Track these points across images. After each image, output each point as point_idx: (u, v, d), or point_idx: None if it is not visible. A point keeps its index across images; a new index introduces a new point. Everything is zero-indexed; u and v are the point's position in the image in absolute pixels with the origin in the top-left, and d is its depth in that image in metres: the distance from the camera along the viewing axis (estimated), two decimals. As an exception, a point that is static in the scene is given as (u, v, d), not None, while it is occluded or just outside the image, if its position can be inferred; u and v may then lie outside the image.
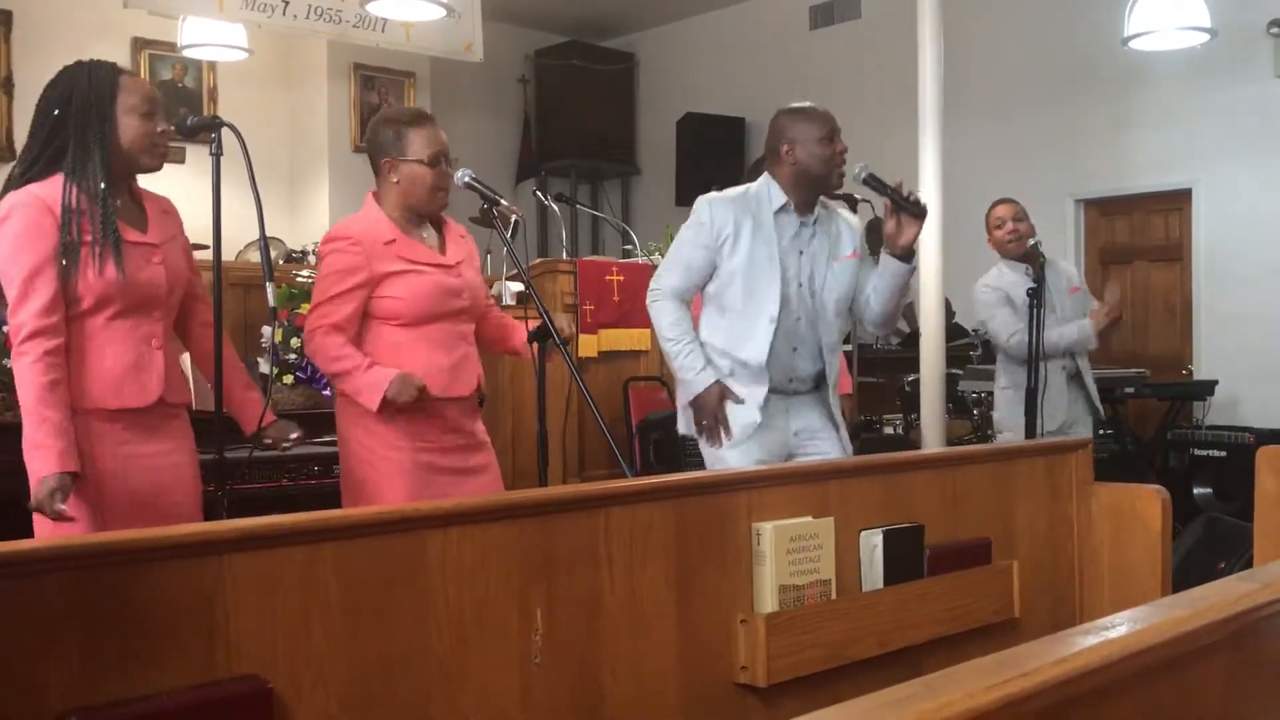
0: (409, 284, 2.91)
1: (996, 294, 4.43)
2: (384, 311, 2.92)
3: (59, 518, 2.35)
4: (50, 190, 2.45)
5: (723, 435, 3.22)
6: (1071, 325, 4.35)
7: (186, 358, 2.93)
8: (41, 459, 2.36)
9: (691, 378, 3.23)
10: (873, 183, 3.19)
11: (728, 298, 3.25)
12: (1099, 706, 1.17)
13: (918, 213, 3.16)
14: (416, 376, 2.85)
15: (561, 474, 4.89)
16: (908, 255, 3.21)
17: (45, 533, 2.39)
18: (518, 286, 5.18)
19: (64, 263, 2.42)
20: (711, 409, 3.21)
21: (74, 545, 1.57)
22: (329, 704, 1.74)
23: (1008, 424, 4.52)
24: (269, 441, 2.81)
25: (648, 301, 3.34)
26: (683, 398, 3.29)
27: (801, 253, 3.25)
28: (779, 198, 3.24)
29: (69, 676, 1.51)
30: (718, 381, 3.21)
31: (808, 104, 3.31)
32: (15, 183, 2.48)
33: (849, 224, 3.38)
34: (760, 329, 3.20)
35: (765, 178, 3.29)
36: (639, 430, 5.12)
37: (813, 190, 3.26)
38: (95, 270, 2.43)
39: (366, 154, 3.03)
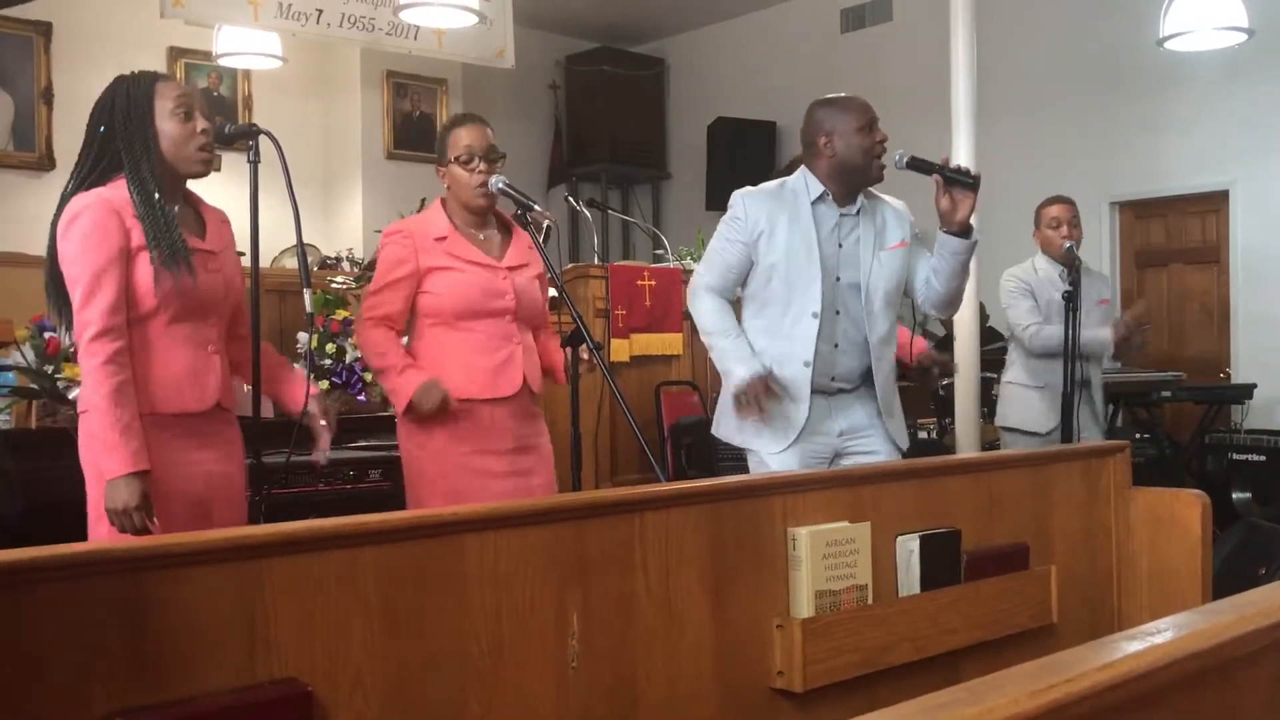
0: (450, 280, 2.98)
1: (1021, 285, 4.42)
2: (426, 308, 3.00)
3: (141, 531, 2.36)
4: (115, 193, 2.49)
5: (765, 406, 3.05)
6: (1091, 330, 4.30)
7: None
8: (115, 459, 2.38)
9: (733, 366, 3.10)
10: (917, 165, 3.09)
11: (767, 294, 3.17)
12: (1143, 713, 1.16)
13: (970, 183, 3.07)
14: (442, 385, 2.88)
15: (594, 478, 4.90)
16: (967, 230, 3.12)
17: (102, 535, 2.41)
18: (550, 292, 5.19)
19: (153, 264, 2.45)
20: (754, 393, 3.05)
21: (117, 549, 1.59)
22: (368, 707, 1.75)
23: (1011, 418, 4.49)
24: (312, 417, 2.72)
25: (688, 299, 3.27)
26: (725, 391, 3.18)
27: (841, 245, 3.16)
28: (816, 188, 3.15)
29: (113, 678, 1.52)
30: (761, 372, 3.08)
31: (843, 94, 3.23)
32: (71, 193, 2.52)
33: (896, 211, 3.27)
34: (804, 326, 3.11)
35: (802, 170, 3.21)
36: (671, 434, 5.12)
37: (853, 182, 3.16)
38: (162, 274, 2.46)
39: None
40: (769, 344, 3.16)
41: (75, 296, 2.44)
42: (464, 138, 3.04)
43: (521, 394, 3.03)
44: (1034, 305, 4.39)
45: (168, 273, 2.45)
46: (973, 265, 4.66)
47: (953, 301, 3.32)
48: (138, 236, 2.47)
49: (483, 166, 3.01)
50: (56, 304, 2.54)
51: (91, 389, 2.42)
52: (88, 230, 2.44)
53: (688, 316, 5.30)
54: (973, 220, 3.15)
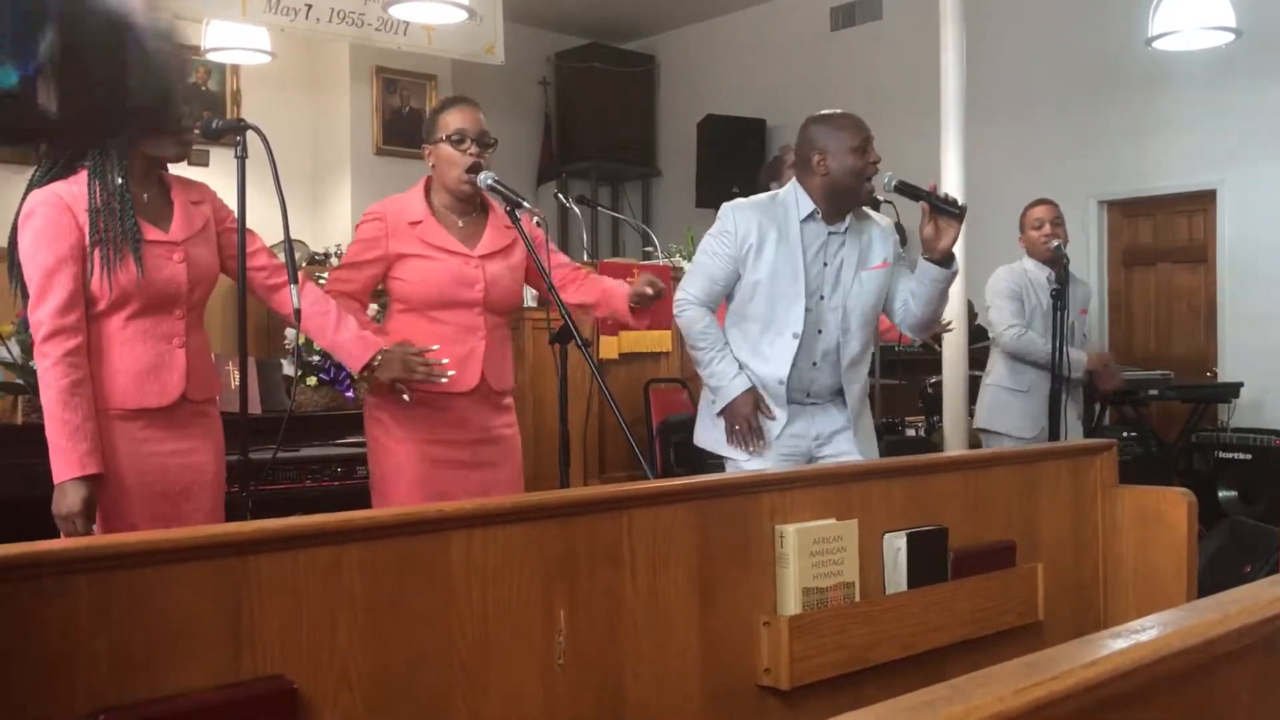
0: (419, 268, 2.94)
1: (1009, 286, 4.44)
2: (396, 293, 2.99)
3: (83, 534, 2.36)
4: (71, 188, 2.47)
5: (756, 443, 3.14)
6: (1072, 350, 4.30)
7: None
8: (61, 462, 2.38)
9: (725, 384, 3.15)
10: (904, 189, 3.10)
11: (750, 310, 3.19)
12: (1128, 711, 1.16)
13: (956, 213, 3.09)
14: (414, 347, 2.80)
15: (582, 475, 4.89)
16: (948, 259, 3.14)
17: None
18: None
19: (91, 261, 2.44)
20: (745, 416, 3.13)
21: (101, 546, 1.58)
22: (353, 704, 1.74)
23: (988, 421, 4.51)
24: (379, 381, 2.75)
25: (675, 311, 3.28)
26: (713, 407, 3.22)
27: (827, 264, 3.18)
28: (806, 205, 3.16)
29: (96, 676, 1.52)
30: (752, 388, 3.15)
31: (839, 111, 3.23)
32: (36, 184, 2.50)
33: (882, 230, 3.28)
34: (782, 345, 3.15)
35: (793, 184, 3.22)
36: (659, 432, 5.12)
37: (842, 202, 3.17)
38: (112, 269, 2.44)
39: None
40: (747, 358, 3.20)
41: (30, 295, 2.43)
42: (457, 119, 2.99)
43: (480, 388, 2.98)
44: (1019, 308, 4.40)
45: (111, 269, 2.44)
46: (961, 263, 4.71)
47: (929, 325, 3.38)
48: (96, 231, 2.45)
49: (474, 149, 2.96)
50: (22, 298, 2.52)
51: (43, 391, 2.42)
52: (40, 228, 2.44)
53: (677, 314, 5.35)
54: (956, 249, 3.18)
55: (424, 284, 2.93)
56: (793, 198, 3.19)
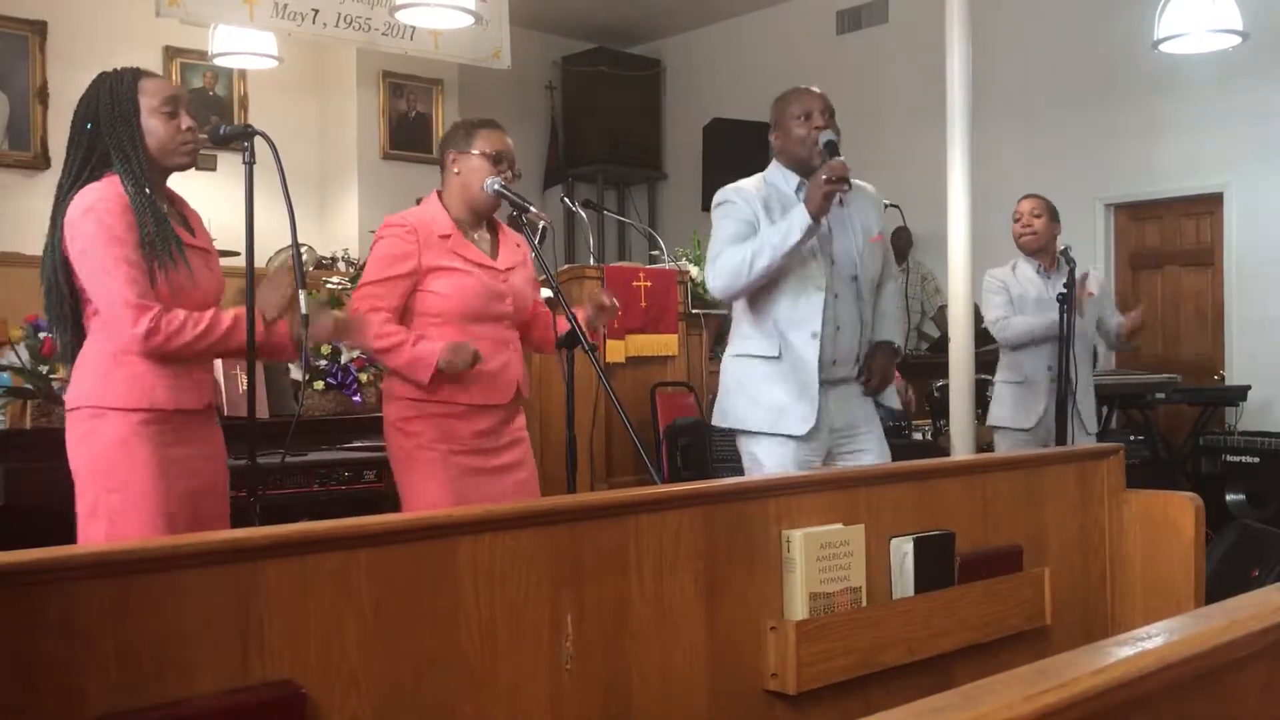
0: (456, 281, 2.94)
1: (995, 282, 4.48)
2: (427, 307, 2.95)
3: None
4: (120, 188, 2.49)
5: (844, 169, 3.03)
6: (1046, 315, 4.30)
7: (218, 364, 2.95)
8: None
9: (790, 225, 3.04)
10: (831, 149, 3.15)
11: (773, 283, 3.18)
12: (1135, 717, 1.16)
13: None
14: (469, 343, 2.84)
15: (589, 480, 4.90)
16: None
17: (98, 536, 2.41)
18: (546, 293, 5.19)
19: (150, 259, 2.46)
20: (822, 178, 3.02)
21: (110, 551, 1.59)
22: (362, 709, 1.75)
23: (996, 416, 4.53)
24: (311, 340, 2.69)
25: (713, 287, 3.23)
26: (727, 381, 3.27)
27: (830, 229, 3.21)
28: (792, 179, 3.24)
29: (105, 681, 1.52)
30: (804, 183, 3.16)
31: (795, 87, 3.30)
32: (66, 192, 2.52)
33: (871, 199, 3.33)
34: (810, 300, 3.15)
35: (775, 164, 3.31)
36: (666, 436, 5.12)
37: (803, 170, 3.22)
38: (165, 268, 2.47)
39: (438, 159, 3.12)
40: (780, 320, 3.18)
41: (103, 283, 2.42)
42: (498, 141, 3.02)
43: (514, 399, 3.04)
44: (1006, 300, 4.44)
45: (165, 268, 2.46)
46: (966, 267, 4.75)
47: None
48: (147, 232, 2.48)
49: (509, 174, 3.01)
50: (56, 299, 2.51)
51: (200, 341, 2.45)
52: (108, 223, 2.43)
53: (684, 317, 5.36)
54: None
55: (460, 297, 2.92)
56: (780, 176, 3.27)
